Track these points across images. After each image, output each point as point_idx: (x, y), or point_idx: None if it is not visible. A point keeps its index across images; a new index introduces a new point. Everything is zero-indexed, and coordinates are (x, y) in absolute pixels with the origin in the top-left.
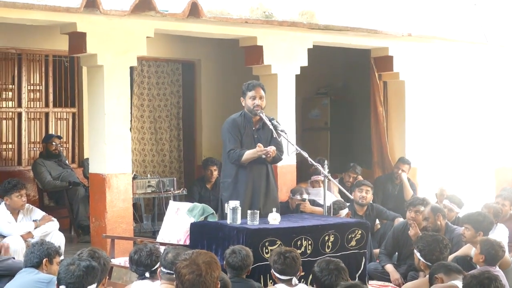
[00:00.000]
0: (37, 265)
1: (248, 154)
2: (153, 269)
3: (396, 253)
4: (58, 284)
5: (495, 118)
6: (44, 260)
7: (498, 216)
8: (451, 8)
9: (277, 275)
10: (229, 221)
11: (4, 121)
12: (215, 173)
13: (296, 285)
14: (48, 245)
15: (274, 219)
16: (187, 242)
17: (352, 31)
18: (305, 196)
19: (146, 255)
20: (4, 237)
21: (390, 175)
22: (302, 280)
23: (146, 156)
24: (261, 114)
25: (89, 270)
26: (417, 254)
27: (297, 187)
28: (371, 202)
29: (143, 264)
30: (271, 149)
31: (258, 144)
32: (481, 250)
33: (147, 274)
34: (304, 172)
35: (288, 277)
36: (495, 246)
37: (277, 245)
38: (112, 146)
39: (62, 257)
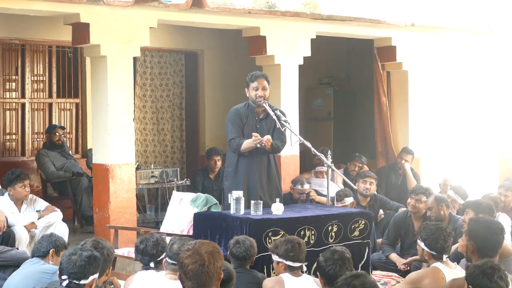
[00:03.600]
0: (44, 255)
1: (246, 143)
2: (159, 259)
3: (399, 243)
4: (60, 274)
5: (498, 108)
6: (51, 251)
7: (497, 205)
8: None
9: (288, 263)
10: (232, 211)
11: (8, 112)
12: (219, 163)
13: (301, 274)
14: (56, 237)
15: (278, 209)
16: (191, 233)
17: (355, 21)
18: (306, 186)
19: (152, 245)
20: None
21: (393, 165)
22: (305, 270)
23: (148, 147)
24: (264, 105)
25: (91, 260)
26: (421, 244)
27: (298, 177)
28: (374, 193)
29: (148, 254)
30: (265, 138)
31: (254, 133)
32: None
33: (151, 264)
34: (308, 163)
35: (299, 264)
36: None
37: (281, 235)
38: (116, 136)
39: None
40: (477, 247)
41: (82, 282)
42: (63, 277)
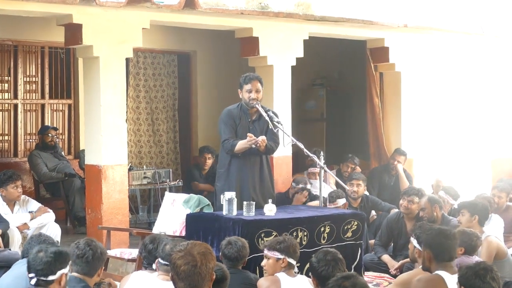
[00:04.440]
0: None
1: (241, 144)
2: None
3: (392, 244)
4: (28, 272)
5: (491, 109)
6: None
7: (490, 206)
8: None
9: (290, 260)
10: (225, 212)
11: (0, 113)
12: (209, 162)
13: (295, 275)
14: (45, 237)
15: (270, 210)
16: (183, 234)
17: (348, 22)
18: (309, 186)
19: (162, 248)
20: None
21: (386, 166)
22: (297, 271)
23: (142, 148)
24: (257, 106)
25: (57, 256)
26: (414, 242)
27: (301, 177)
28: (366, 194)
29: (154, 255)
30: (261, 138)
31: (249, 134)
32: (460, 242)
33: (154, 266)
34: (300, 164)
35: (295, 262)
36: (472, 237)
37: (273, 236)
38: (108, 137)
39: None
40: (433, 254)
41: (50, 278)
42: (30, 275)
